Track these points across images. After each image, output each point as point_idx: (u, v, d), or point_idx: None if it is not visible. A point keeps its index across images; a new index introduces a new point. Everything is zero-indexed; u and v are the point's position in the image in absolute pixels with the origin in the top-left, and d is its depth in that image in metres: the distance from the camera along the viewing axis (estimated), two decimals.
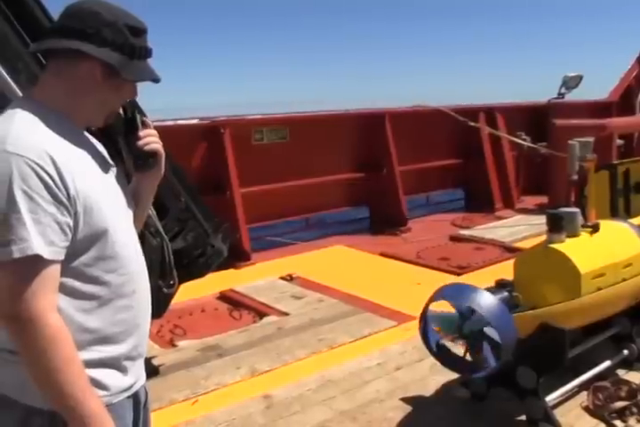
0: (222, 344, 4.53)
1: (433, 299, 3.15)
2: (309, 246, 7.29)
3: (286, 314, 5.13)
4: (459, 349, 3.24)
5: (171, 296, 3.55)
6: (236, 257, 6.37)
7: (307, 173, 7.61)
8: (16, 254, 1.51)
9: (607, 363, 3.75)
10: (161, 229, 3.37)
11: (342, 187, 8.08)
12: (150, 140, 1.91)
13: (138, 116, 1.91)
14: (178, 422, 3.50)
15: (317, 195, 7.77)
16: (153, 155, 1.93)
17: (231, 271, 6.25)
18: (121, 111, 1.92)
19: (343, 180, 8.03)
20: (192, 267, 3.73)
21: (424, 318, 3.16)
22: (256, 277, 6.06)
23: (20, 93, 2.87)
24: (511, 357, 3.08)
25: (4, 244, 1.51)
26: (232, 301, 5.51)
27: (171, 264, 3.41)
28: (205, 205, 3.92)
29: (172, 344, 4.58)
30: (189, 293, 4.31)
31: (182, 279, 3.54)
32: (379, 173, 8.21)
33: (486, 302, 2.98)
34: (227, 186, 6.72)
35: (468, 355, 3.14)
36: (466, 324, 3.03)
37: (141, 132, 1.90)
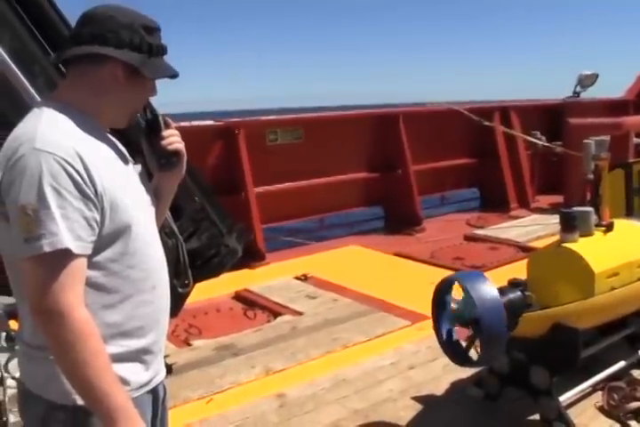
0: (237, 344, 4.55)
1: (445, 281, 3.15)
2: (324, 246, 7.30)
3: (300, 314, 5.15)
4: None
5: (185, 296, 3.58)
6: (251, 257, 6.39)
7: (321, 174, 7.62)
8: (46, 248, 1.55)
9: (622, 363, 3.73)
10: (176, 230, 3.40)
11: (357, 187, 8.08)
12: (173, 139, 1.96)
13: (160, 117, 1.95)
14: (192, 421, 3.52)
15: (332, 195, 7.77)
16: (176, 154, 1.97)
17: (246, 271, 6.28)
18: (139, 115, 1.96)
19: (358, 180, 8.04)
20: (206, 267, 3.75)
21: (438, 295, 3.17)
22: (271, 277, 6.09)
23: (37, 96, 2.91)
24: (500, 353, 3.07)
25: (34, 238, 1.55)
26: (247, 300, 5.54)
27: (185, 264, 3.44)
28: (220, 205, 3.95)
29: (187, 343, 4.61)
30: (204, 292, 4.33)
31: (197, 279, 3.56)
32: (393, 172, 8.21)
33: (484, 290, 2.95)
34: (241, 186, 6.75)
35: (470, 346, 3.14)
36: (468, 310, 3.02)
37: (165, 132, 1.95)
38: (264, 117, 7.44)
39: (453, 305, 3.11)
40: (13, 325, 3.14)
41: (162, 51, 1.82)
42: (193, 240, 3.67)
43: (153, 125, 1.95)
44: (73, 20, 1.84)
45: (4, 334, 3.05)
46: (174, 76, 1.86)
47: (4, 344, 3.02)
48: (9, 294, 3.12)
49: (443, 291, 3.18)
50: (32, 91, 2.95)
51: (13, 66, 2.93)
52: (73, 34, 1.80)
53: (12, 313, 3.19)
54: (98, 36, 1.73)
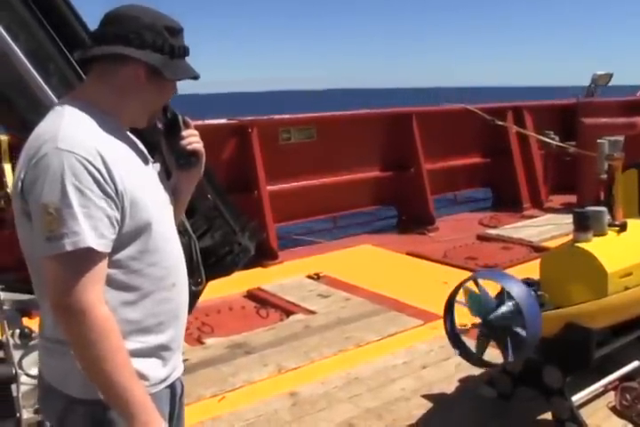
0: (249, 342, 4.57)
1: (467, 280, 3.15)
2: (336, 245, 7.31)
3: (313, 312, 5.16)
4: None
5: (198, 294, 3.59)
6: (264, 256, 6.40)
7: (334, 173, 7.63)
8: (69, 247, 1.57)
9: (635, 363, 3.72)
10: (189, 228, 3.41)
11: (369, 186, 8.08)
12: (193, 140, 1.98)
13: (180, 117, 1.96)
14: (205, 419, 3.54)
15: (345, 194, 7.78)
16: (195, 154, 1.99)
17: (258, 270, 6.29)
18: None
19: (370, 179, 8.03)
20: (219, 265, 3.76)
21: (450, 302, 3.17)
22: (283, 276, 6.10)
23: (52, 94, 2.93)
24: (532, 353, 3.07)
25: (57, 237, 1.57)
26: (259, 299, 5.55)
27: (198, 262, 3.45)
28: (233, 203, 3.96)
29: (199, 342, 4.62)
30: (217, 291, 4.34)
31: (210, 277, 3.57)
32: (406, 172, 8.20)
33: (521, 289, 2.98)
34: (254, 185, 6.76)
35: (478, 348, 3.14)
36: (494, 311, 3.00)
37: (184, 132, 1.96)
38: (277, 116, 7.45)
39: (468, 306, 3.12)
40: (26, 322, 3.17)
41: (184, 52, 1.83)
42: (206, 238, 3.68)
43: (172, 125, 1.97)
44: (94, 18, 1.84)
45: (17, 331, 3.07)
46: (195, 77, 1.87)
47: (18, 341, 3.04)
48: (24, 290, 3.15)
49: (463, 288, 3.18)
50: (47, 89, 2.97)
51: (29, 64, 2.95)
52: (96, 33, 1.81)
53: (24, 311, 3.22)
54: (121, 37, 1.74)
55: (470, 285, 3.10)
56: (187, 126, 1.98)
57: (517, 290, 2.97)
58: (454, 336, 3.21)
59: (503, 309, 2.97)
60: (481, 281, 3.09)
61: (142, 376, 1.74)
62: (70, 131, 1.66)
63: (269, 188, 6.88)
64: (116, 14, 1.78)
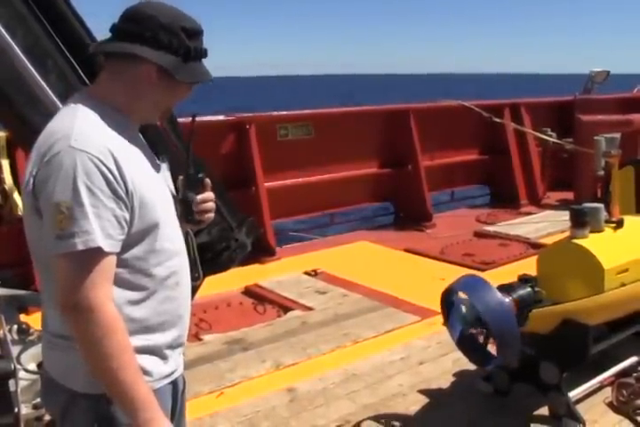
0: (247, 338, 4.57)
1: (451, 288, 3.17)
2: (334, 242, 7.31)
3: (310, 309, 5.16)
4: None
5: (195, 289, 3.59)
6: (261, 252, 6.40)
7: (331, 169, 7.63)
8: (79, 246, 1.59)
9: (632, 359, 3.74)
10: None
11: (367, 182, 8.08)
12: (206, 207, 1.99)
13: (203, 180, 1.97)
14: (203, 415, 3.54)
15: (342, 190, 7.78)
16: (201, 222, 2.03)
17: (256, 266, 6.29)
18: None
19: (368, 175, 8.03)
20: (216, 261, 3.76)
21: (445, 303, 3.18)
22: (281, 272, 6.10)
23: (50, 91, 2.94)
24: (515, 356, 3.09)
25: (67, 236, 1.59)
26: (257, 295, 5.55)
27: (195, 257, 3.45)
28: (230, 199, 3.96)
29: (197, 338, 4.63)
30: (215, 287, 4.34)
31: (206, 273, 3.57)
32: (403, 168, 8.19)
33: (488, 299, 2.97)
34: (252, 181, 6.75)
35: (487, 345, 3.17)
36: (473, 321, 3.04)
37: (200, 196, 1.96)
38: (275, 113, 7.45)
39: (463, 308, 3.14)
40: (23, 318, 3.18)
41: (200, 54, 1.82)
42: (203, 234, 3.67)
43: (194, 184, 1.97)
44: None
45: (15, 326, 3.07)
46: (209, 81, 1.87)
47: (16, 337, 3.05)
48: (21, 286, 3.14)
49: (448, 297, 3.20)
50: (45, 86, 2.97)
51: (27, 61, 2.94)
52: (114, 28, 1.80)
53: (21, 307, 3.23)
54: (136, 36, 1.73)
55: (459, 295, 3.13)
56: (204, 189, 1.97)
57: (483, 305, 2.97)
58: (462, 346, 3.23)
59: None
60: (461, 293, 3.13)
61: (146, 372, 1.76)
62: (83, 129, 1.67)
63: (267, 184, 6.88)
64: (135, 11, 1.77)
